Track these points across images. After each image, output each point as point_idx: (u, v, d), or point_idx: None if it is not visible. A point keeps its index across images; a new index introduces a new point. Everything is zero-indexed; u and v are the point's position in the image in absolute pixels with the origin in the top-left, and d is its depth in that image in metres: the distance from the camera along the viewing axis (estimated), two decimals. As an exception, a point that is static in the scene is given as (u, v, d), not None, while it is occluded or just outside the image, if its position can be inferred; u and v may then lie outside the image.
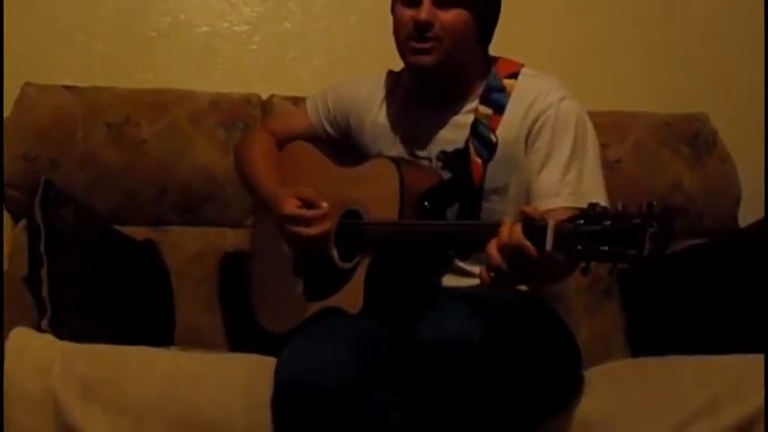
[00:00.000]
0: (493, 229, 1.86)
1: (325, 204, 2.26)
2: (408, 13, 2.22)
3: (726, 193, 3.02)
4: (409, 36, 2.22)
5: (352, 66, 3.09)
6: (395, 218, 2.18)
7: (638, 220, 1.63)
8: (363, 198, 2.28)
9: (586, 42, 3.25)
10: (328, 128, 2.47)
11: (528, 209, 1.84)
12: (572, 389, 2.22)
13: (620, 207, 1.67)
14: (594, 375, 2.27)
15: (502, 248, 1.82)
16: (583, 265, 1.70)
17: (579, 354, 2.24)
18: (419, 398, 1.99)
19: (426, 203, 2.20)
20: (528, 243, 1.77)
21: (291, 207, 2.27)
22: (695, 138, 3.01)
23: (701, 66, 3.31)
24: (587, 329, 2.49)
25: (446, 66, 2.22)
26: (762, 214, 2.79)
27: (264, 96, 2.93)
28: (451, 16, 2.19)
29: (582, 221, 1.69)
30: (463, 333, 1.91)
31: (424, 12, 2.18)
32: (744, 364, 2.25)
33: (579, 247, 1.68)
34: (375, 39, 3.03)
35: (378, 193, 2.24)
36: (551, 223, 1.74)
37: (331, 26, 3.15)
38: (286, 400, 2.04)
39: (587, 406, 2.21)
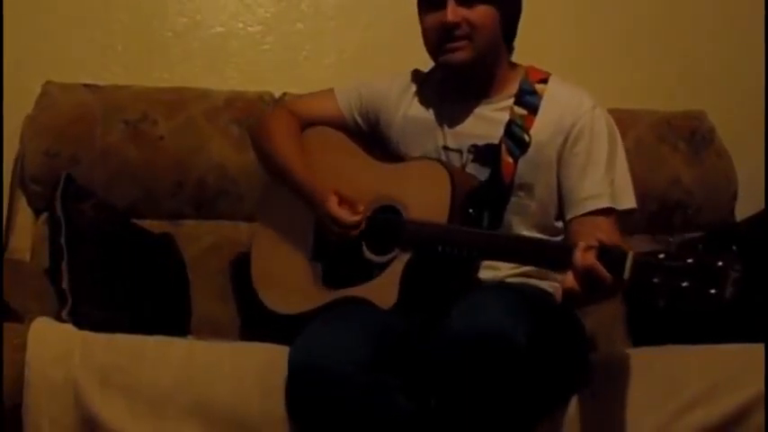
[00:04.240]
0: (565, 251, 1.92)
1: (361, 208, 2.30)
2: (435, 17, 2.24)
3: (723, 187, 3.05)
4: (439, 39, 2.25)
5: (364, 65, 3.12)
6: (443, 221, 2.18)
7: (720, 263, 1.69)
8: (405, 196, 2.27)
9: (587, 42, 3.27)
10: (359, 120, 2.47)
11: (603, 237, 1.90)
12: (581, 378, 2.25)
13: (700, 248, 1.74)
14: (596, 364, 2.28)
15: (576, 272, 1.88)
16: (660, 302, 1.75)
17: (588, 345, 2.29)
18: (433, 383, 2.02)
19: (471, 210, 2.21)
20: (603, 269, 1.84)
21: (334, 206, 2.29)
22: (693, 134, 3.05)
23: (700, 65, 3.32)
24: (589, 319, 2.51)
25: (477, 61, 2.26)
26: (758, 208, 2.83)
27: (277, 94, 2.95)
28: (477, 13, 2.23)
29: (663, 255, 1.75)
30: (502, 327, 1.95)
31: (450, 12, 2.21)
32: (742, 353, 2.28)
33: (656, 280, 1.74)
34: (386, 38, 3.11)
35: (424, 194, 2.24)
36: (630, 254, 1.80)
37: (342, 26, 3.17)
38: (298, 383, 2.08)
39: (589, 394, 2.23)
